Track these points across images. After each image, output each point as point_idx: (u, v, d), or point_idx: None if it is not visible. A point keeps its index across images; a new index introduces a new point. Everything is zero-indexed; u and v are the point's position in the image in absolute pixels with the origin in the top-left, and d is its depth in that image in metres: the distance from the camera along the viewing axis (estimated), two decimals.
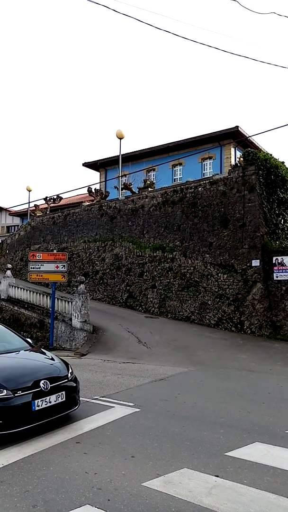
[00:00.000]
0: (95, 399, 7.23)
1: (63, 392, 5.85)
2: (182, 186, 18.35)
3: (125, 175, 26.19)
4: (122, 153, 25.27)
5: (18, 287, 18.31)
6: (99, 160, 31.50)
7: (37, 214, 29.14)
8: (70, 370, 6.38)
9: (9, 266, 21.06)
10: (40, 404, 5.48)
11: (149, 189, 20.53)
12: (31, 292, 17.57)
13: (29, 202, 33.15)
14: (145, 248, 18.89)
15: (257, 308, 14.47)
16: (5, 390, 5.32)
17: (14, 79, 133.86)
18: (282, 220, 16.39)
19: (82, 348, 13.47)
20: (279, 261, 14.52)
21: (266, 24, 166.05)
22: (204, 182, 17.43)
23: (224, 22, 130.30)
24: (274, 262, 14.62)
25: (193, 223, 17.22)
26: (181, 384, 8.58)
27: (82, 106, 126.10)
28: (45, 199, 29.68)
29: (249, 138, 23.53)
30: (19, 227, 33.94)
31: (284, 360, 11.11)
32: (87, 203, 25.09)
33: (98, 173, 33.23)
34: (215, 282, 15.79)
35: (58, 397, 5.73)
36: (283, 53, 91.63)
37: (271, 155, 16.66)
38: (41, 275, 14.74)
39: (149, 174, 28.53)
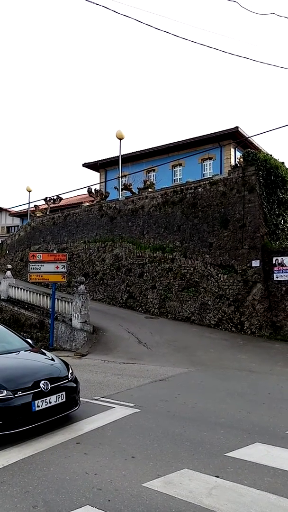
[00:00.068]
0: (95, 399, 7.22)
1: (63, 393, 5.85)
2: (182, 187, 18.36)
3: (125, 176, 26.20)
4: (122, 153, 25.26)
5: (18, 288, 18.31)
6: (99, 160, 31.50)
7: (37, 215, 29.14)
8: (70, 371, 6.38)
9: (9, 266, 21.05)
10: (40, 404, 5.48)
11: (149, 189, 20.54)
12: (31, 293, 17.56)
13: (29, 203, 33.19)
14: (145, 249, 18.90)
15: (257, 308, 14.46)
16: (5, 391, 5.32)
17: (14, 80, 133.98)
18: (282, 221, 16.40)
19: (82, 348, 13.47)
20: (279, 261, 14.52)
21: (266, 24, 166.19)
22: (204, 182, 17.44)
23: (223, 23, 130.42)
24: (274, 262, 14.63)
25: (193, 223, 17.22)
26: (181, 384, 8.57)
27: (82, 107, 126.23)
28: (45, 199, 29.69)
29: (249, 138, 23.54)
30: (19, 227, 33.94)
31: (284, 361, 11.10)
32: (87, 204, 25.09)
33: (98, 174, 33.23)
34: (215, 282, 15.78)
35: (58, 398, 5.73)
36: (283, 54, 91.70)
37: (271, 155, 16.68)
38: (41, 276, 14.74)
39: (149, 174, 28.54)
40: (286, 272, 14.39)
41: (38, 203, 32.71)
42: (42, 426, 5.52)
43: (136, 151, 29.33)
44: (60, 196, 29.70)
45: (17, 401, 5.31)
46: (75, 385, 6.22)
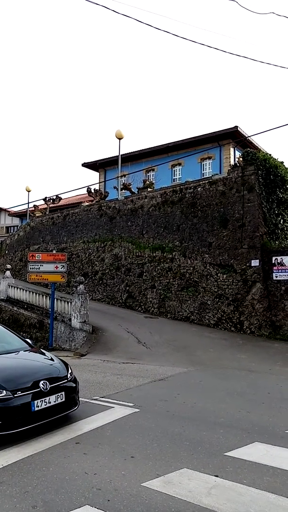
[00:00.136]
0: (94, 399, 7.22)
1: (63, 393, 5.84)
2: (181, 186, 18.35)
3: (124, 175, 26.18)
4: (121, 153, 25.27)
5: (17, 288, 18.31)
6: (99, 160, 31.48)
7: (37, 215, 29.13)
8: (70, 371, 6.38)
9: (8, 266, 21.05)
10: (40, 404, 5.47)
11: (149, 189, 20.54)
12: (31, 293, 17.56)
13: (28, 203, 33.19)
14: (145, 248, 18.89)
15: (256, 308, 14.47)
16: (4, 391, 5.32)
17: (14, 80, 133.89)
18: (282, 220, 16.40)
19: (81, 348, 13.47)
20: (279, 261, 14.53)
21: (265, 24, 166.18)
22: (204, 182, 17.44)
23: (223, 22, 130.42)
24: (273, 262, 14.63)
25: (192, 223, 17.22)
26: (181, 384, 8.57)
27: (81, 107, 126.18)
28: (44, 199, 29.68)
29: (248, 138, 23.51)
30: (18, 227, 33.95)
31: (283, 360, 11.11)
32: (87, 204, 25.09)
33: (98, 174, 33.21)
34: (214, 282, 15.79)
35: (57, 398, 5.73)
36: (282, 53, 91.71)
37: (270, 155, 16.68)
38: (41, 276, 14.74)
39: (149, 174, 28.52)
40: (285, 272, 14.40)
41: (37, 203, 32.73)
42: (42, 426, 5.52)
43: (136, 151, 29.32)
44: (59, 196, 29.69)
45: (17, 401, 5.31)
46: (74, 385, 6.21)
